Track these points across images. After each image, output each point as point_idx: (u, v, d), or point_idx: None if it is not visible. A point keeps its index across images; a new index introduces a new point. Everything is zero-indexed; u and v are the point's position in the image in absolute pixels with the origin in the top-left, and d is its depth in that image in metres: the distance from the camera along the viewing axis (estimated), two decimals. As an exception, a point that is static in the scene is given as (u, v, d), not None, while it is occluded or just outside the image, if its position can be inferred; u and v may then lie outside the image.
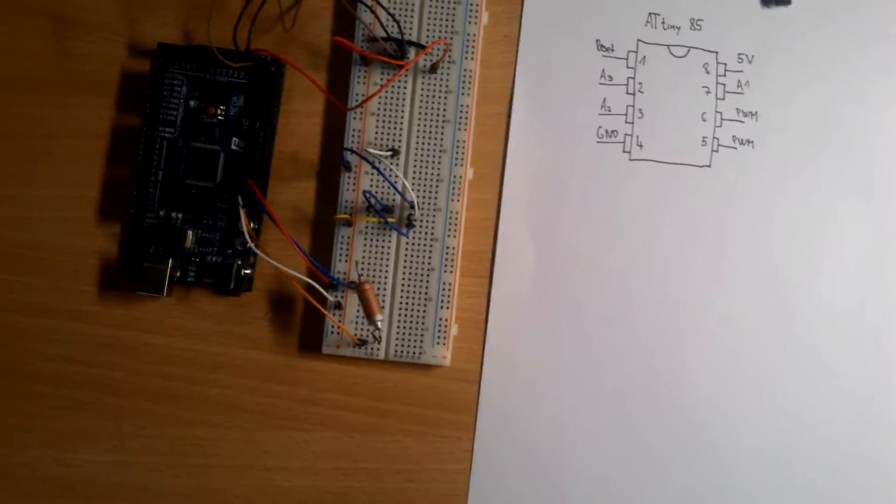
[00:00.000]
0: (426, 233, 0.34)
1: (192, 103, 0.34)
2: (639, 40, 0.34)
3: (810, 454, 0.33)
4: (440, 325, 0.34)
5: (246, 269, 0.34)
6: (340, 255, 0.33)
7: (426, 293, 0.34)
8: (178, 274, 0.34)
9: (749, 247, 0.34)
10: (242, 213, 0.33)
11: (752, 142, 0.34)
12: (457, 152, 0.34)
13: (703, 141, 0.34)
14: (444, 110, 0.34)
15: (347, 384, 0.34)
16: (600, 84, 0.34)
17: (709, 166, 0.34)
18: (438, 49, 0.34)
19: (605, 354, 0.34)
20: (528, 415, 0.34)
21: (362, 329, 0.33)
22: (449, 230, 0.34)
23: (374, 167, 0.33)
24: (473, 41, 0.34)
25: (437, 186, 0.34)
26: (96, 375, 0.34)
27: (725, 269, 0.34)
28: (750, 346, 0.34)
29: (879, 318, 0.34)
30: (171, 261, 0.33)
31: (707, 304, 0.34)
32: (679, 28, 0.34)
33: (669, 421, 0.33)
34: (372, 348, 0.33)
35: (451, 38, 0.34)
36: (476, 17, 0.34)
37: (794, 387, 0.34)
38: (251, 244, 0.32)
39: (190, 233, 0.33)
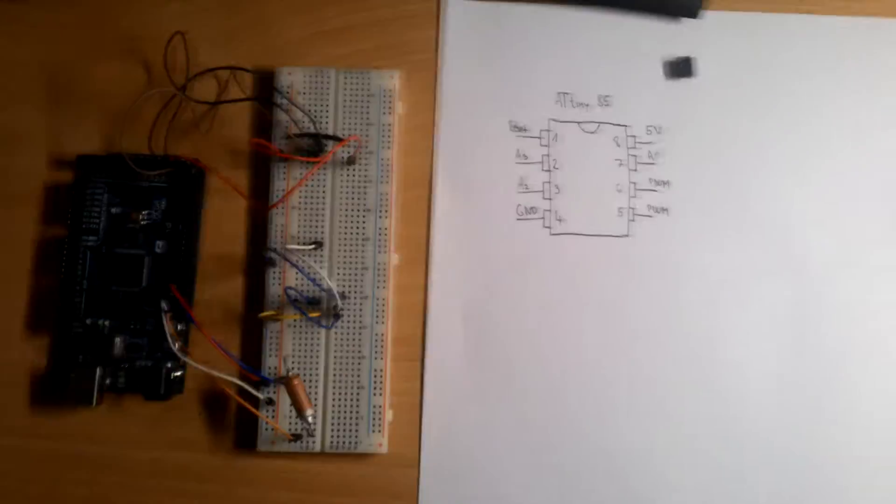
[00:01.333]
0: (355, 321, 0.34)
1: (114, 210, 0.34)
2: (550, 119, 0.36)
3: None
4: (374, 413, 0.33)
5: (176, 371, 0.34)
6: (270, 350, 0.33)
7: (358, 381, 0.34)
8: (108, 381, 0.33)
9: (669, 310, 0.34)
10: (166, 318, 0.33)
11: (667, 209, 0.35)
12: (380, 240, 0.34)
13: (620, 211, 0.35)
14: (365, 199, 0.34)
15: (286, 480, 0.34)
16: (517, 163, 0.35)
17: (627, 235, 0.35)
18: (353, 144, 0.34)
19: (541, 428, 0.34)
20: (471, 494, 0.33)
21: (296, 423, 0.33)
22: (377, 317, 0.34)
23: (294, 266, 0.33)
24: (389, 131, 0.35)
25: (362, 275, 0.34)
26: (32, 491, 0.33)
27: (649, 333, 0.34)
28: (682, 403, 0.34)
29: (799, 377, 0.34)
30: (99, 369, 0.33)
31: (637, 365, 0.34)
32: (588, 105, 0.36)
33: (608, 487, 0.33)
34: (307, 442, 0.33)
35: (368, 130, 0.35)
36: (390, 108, 0.35)
37: (724, 438, 0.34)
38: (175, 349, 0.33)
39: (118, 339, 0.33)
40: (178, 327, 0.34)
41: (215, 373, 0.32)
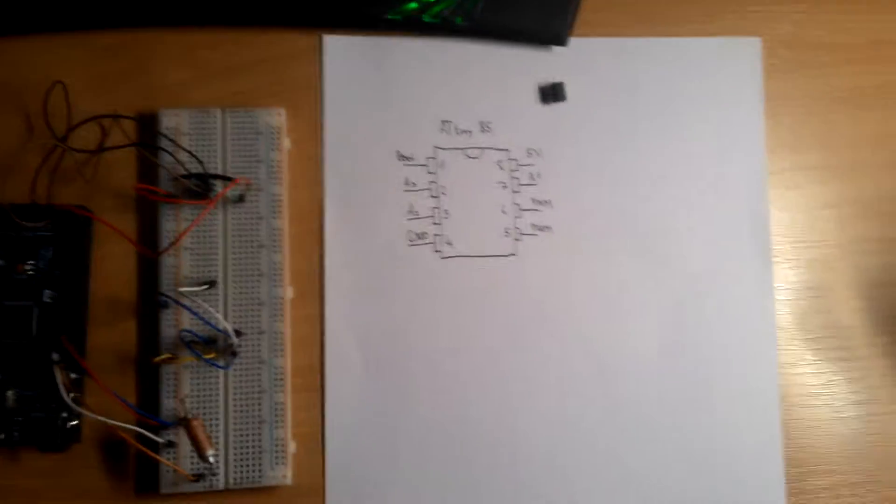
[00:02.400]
0: (253, 356, 0.34)
1: (-1, 262, 0.34)
2: (435, 147, 0.37)
3: (637, 498, 0.36)
4: (277, 445, 0.34)
5: (72, 420, 0.33)
6: (168, 392, 0.33)
7: (259, 415, 0.34)
8: (2, 436, 0.33)
9: (558, 321, 0.36)
10: (57, 369, 0.32)
11: (550, 227, 0.37)
12: (274, 274, 0.35)
13: (506, 232, 0.37)
14: (258, 235, 0.35)
15: (193, 520, 0.34)
16: (405, 191, 0.36)
17: (514, 254, 0.36)
18: (242, 184, 0.35)
19: (444, 446, 0.35)
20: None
21: (199, 463, 0.33)
22: (275, 351, 0.34)
23: (187, 308, 0.33)
24: (278, 167, 0.35)
25: (258, 310, 0.34)
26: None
27: (542, 345, 0.36)
28: (579, 412, 0.36)
29: (687, 367, 0.36)
30: (-8, 423, 0.33)
31: (533, 381, 0.36)
32: (471, 132, 0.37)
33: (514, 491, 0.35)
34: (210, 481, 0.33)
35: (256, 167, 0.35)
36: (277, 144, 0.35)
37: (618, 440, 0.36)
38: (68, 401, 0.32)
39: (9, 393, 0.33)
40: (72, 376, 0.33)
41: (112, 421, 0.32)
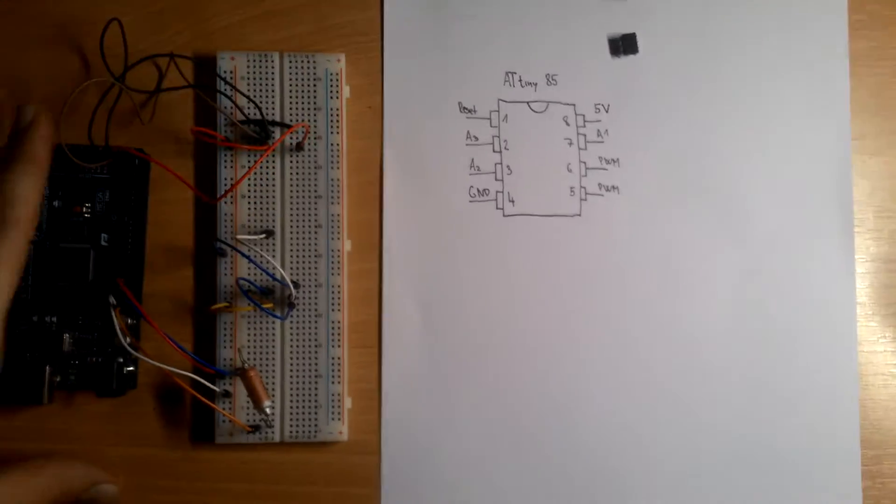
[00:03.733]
0: (310, 309, 0.34)
1: (56, 203, 0.33)
2: (499, 99, 0.35)
3: (706, 471, 0.34)
4: (333, 401, 0.33)
5: (128, 366, 0.33)
6: (224, 342, 0.33)
7: (316, 370, 0.33)
8: (58, 379, 0.33)
9: (624, 285, 0.35)
10: (115, 313, 0.32)
11: (617, 187, 0.35)
12: (332, 226, 0.34)
13: (571, 191, 0.35)
14: (316, 186, 0.34)
15: (245, 471, 0.33)
16: (467, 145, 0.35)
17: (579, 215, 0.35)
18: (301, 130, 0.34)
19: (501, 407, 0.34)
20: (432, 479, 0.34)
21: (254, 414, 0.33)
22: (332, 304, 0.34)
23: (244, 256, 0.33)
24: (337, 115, 0.34)
25: (315, 262, 0.34)
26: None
27: (606, 311, 0.35)
28: (636, 381, 0.35)
29: (755, 339, 0.35)
30: (48, 367, 0.32)
31: (593, 345, 0.35)
32: (536, 84, 0.35)
33: (573, 464, 0.34)
34: (266, 433, 0.33)
35: (315, 115, 0.34)
36: (338, 92, 0.34)
37: (687, 411, 0.34)
38: (126, 345, 0.32)
39: (66, 336, 0.33)
40: (129, 321, 0.33)
41: (168, 368, 0.32)
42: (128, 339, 0.32)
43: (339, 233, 0.34)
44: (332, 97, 0.34)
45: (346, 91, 0.35)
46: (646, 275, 0.35)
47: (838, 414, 0.35)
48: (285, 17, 0.35)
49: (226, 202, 0.33)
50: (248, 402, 0.33)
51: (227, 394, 0.33)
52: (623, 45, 0.35)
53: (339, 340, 0.34)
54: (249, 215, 0.34)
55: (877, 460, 0.35)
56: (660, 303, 0.35)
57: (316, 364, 0.34)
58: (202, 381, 0.32)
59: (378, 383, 0.34)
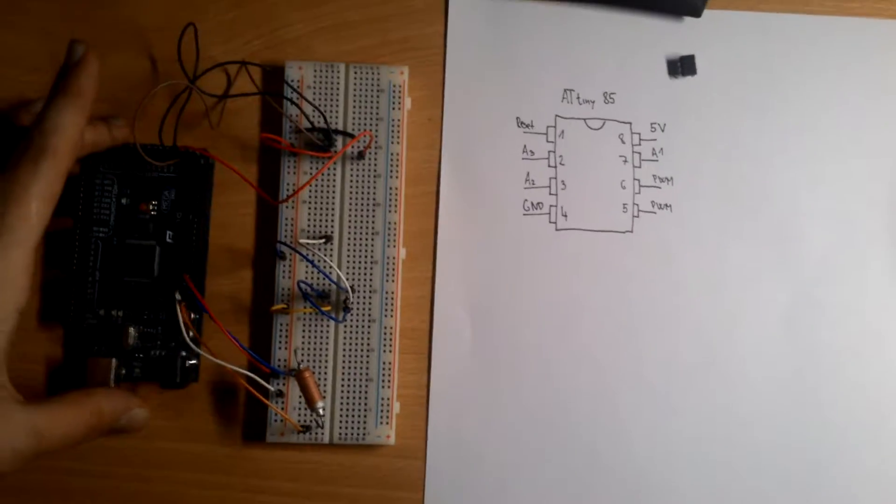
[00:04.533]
0: (363, 315, 0.34)
1: (123, 201, 0.35)
2: (556, 115, 0.36)
3: (746, 500, 0.34)
4: (382, 405, 0.34)
5: (191, 360, 0.34)
6: (280, 343, 0.34)
7: (367, 374, 0.34)
8: (123, 372, 0.34)
9: (672, 305, 0.35)
10: (181, 308, 0.33)
11: (670, 206, 0.36)
12: (389, 234, 0.35)
13: (624, 207, 0.36)
14: (374, 194, 0.35)
15: (294, 471, 0.34)
16: (523, 159, 0.36)
17: (631, 231, 0.36)
18: (364, 139, 0.35)
19: (547, 420, 0.35)
20: (476, 486, 0.34)
21: (305, 415, 0.34)
22: (386, 310, 0.34)
23: (306, 259, 0.34)
24: (398, 126, 0.35)
25: (371, 268, 0.34)
26: (46, 482, 0.34)
27: (653, 328, 0.35)
28: (684, 400, 0.35)
29: (806, 365, 0.35)
30: (114, 360, 0.33)
31: (640, 362, 0.35)
32: (594, 102, 0.36)
33: (619, 475, 0.34)
34: (316, 434, 0.33)
35: (377, 125, 0.35)
36: (399, 103, 0.35)
37: (728, 437, 0.35)
38: (188, 339, 0.33)
39: (131, 330, 0.34)
40: (192, 316, 0.34)
41: (227, 364, 0.32)
42: (190, 334, 0.33)
43: (395, 240, 0.35)
44: (394, 108, 0.35)
45: (407, 103, 0.36)
46: (696, 294, 0.35)
47: (885, 442, 0.35)
48: (353, 29, 0.36)
49: (287, 207, 0.34)
50: (299, 403, 0.33)
51: (280, 393, 0.34)
52: (682, 66, 0.36)
53: (390, 346, 0.34)
54: (309, 220, 0.34)
55: None
56: (709, 322, 0.35)
57: (367, 368, 0.34)
58: (258, 379, 0.33)
59: (427, 389, 0.35)
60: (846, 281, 0.35)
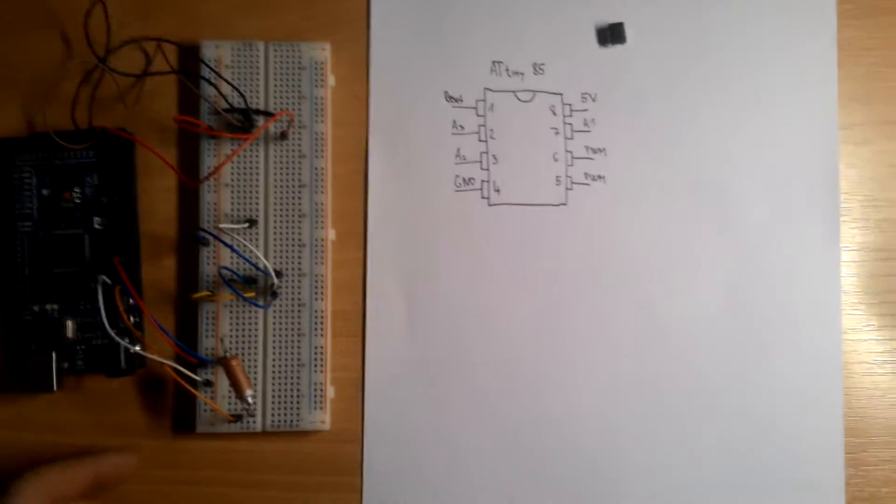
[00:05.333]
0: (293, 299, 0.33)
1: (44, 192, 0.33)
2: (485, 88, 0.35)
3: (693, 462, 0.34)
4: (316, 390, 0.33)
5: (135, 346, 0.32)
6: (207, 331, 0.33)
7: (299, 359, 0.33)
8: (65, 365, 0.32)
9: (613, 275, 0.35)
10: (116, 292, 0.31)
11: (604, 177, 0.35)
12: (316, 215, 0.34)
13: (557, 180, 0.35)
14: (300, 175, 0.34)
15: (227, 461, 0.33)
16: (453, 134, 0.35)
17: (565, 204, 0.35)
18: (285, 118, 0.34)
19: (484, 396, 0.34)
20: (414, 467, 0.34)
21: (236, 404, 0.33)
22: (316, 294, 0.34)
23: (226, 245, 0.32)
24: (322, 104, 0.34)
25: (299, 251, 0.34)
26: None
27: (593, 298, 0.35)
28: (626, 372, 0.34)
29: (747, 327, 0.35)
30: (54, 354, 0.32)
31: (582, 334, 0.34)
32: (523, 74, 0.35)
33: (555, 453, 0.34)
34: (248, 422, 0.33)
35: (300, 103, 0.34)
36: (322, 80, 0.34)
37: (674, 402, 0.34)
38: (111, 331, 0.31)
39: (69, 322, 0.32)
40: (131, 302, 0.32)
41: (152, 356, 0.31)
42: (132, 320, 0.32)
43: (323, 222, 0.34)
44: (316, 86, 0.34)
45: (331, 80, 0.34)
46: (631, 264, 0.35)
47: (823, 403, 0.35)
48: (273, 4, 0.35)
49: (209, 191, 0.33)
50: (230, 391, 0.32)
51: (208, 383, 0.33)
52: (611, 34, 0.35)
53: (321, 330, 0.33)
54: (233, 204, 0.33)
55: (860, 448, 0.35)
56: (645, 292, 0.35)
57: (299, 353, 0.33)
58: (184, 370, 0.32)
59: (362, 372, 0.34)
60: (781, 245, 0.35)
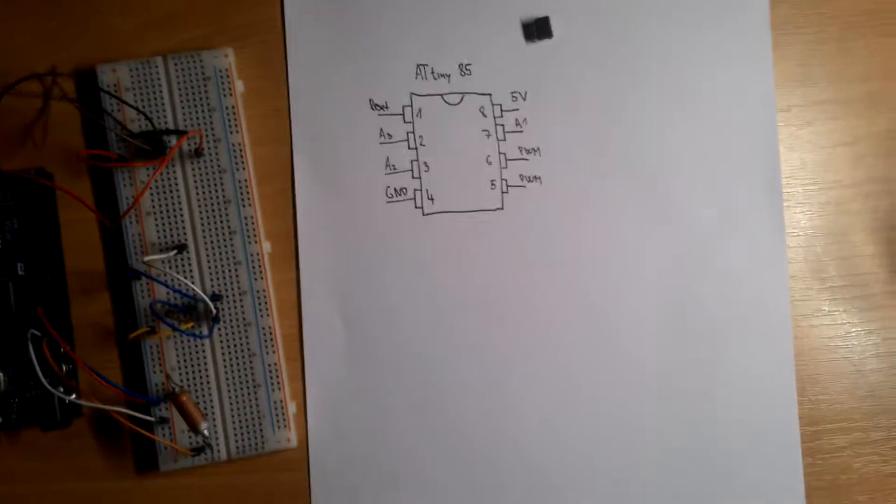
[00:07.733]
0: (238, 319, 0.33)
1: (-38, 240, 0.33)
2: (412, 94, 0.34)
3: (646, 463, 0.34)
4: (276, 408, 0.33)
5: (70, 395, 0.32)
6: (153, 367, 0.33)
7: (253, 380, 0.33)
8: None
9: (555, 278, 0.34)
10: (43, 345, 0.31)
11: (539, 178, 0.34)
12: (247, 230, 0.33)
13: (492, 184, 0.34)
14: (223, 190, 0.33)
15: (196, 495, 0.33)
16: (381, 143, 0.34)
17: (501, 208, 0.34)
18: (195, 136, 0.32)
19: (431, 414, 0.34)
20: (363, 487, 0.33)
21: (196, 437, 0.32)
22: (260, 311, 0.33)
23: (153, 279, 0.32)
24: (234, 113, 0.33)
25: (236, 269, 0.33)
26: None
27: (535, 309, 0.34)
28: (572, 382, 0.34)
29: (695, 321, 0.35)
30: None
31: (522, 340, 0.34)
32: (449, 76, 0.34)
33: (502, 464, 0.34)
34: (210, 453, 0.32)
35: (210, 116, 0.33)
36: (230, 89, 0.32)
37: (622, 404, 0.34)
38: (45, 384, 0.30)
39: (0, 375, 0.32)
40: (62, 350, 0.32)
41: (99, 405, 0.31)
42: (64, 368, 0.31)
43: (255, 235, 0.33)
44: (224, 95, 0.32)
45: (239, 86, 0.33)
46: (573, 264, 0.34)
47: (776, 393, 0.35)
48: (182, 20, 0.33)
49: (132, 222, 0.32)
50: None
51: (163, 420, 0.32)
52: (537, 29, 0.33)
53: (272, 346, 0.33)
54: (158, 232, 0.33)
55: (816, 436, 0.35)
56: (589, 292, 0.34)
57: (252, 374, 0.33)
58: (135, 413, 0.32)
59: (303, 398, 0.34)
60: (724, 234, 0.35)
